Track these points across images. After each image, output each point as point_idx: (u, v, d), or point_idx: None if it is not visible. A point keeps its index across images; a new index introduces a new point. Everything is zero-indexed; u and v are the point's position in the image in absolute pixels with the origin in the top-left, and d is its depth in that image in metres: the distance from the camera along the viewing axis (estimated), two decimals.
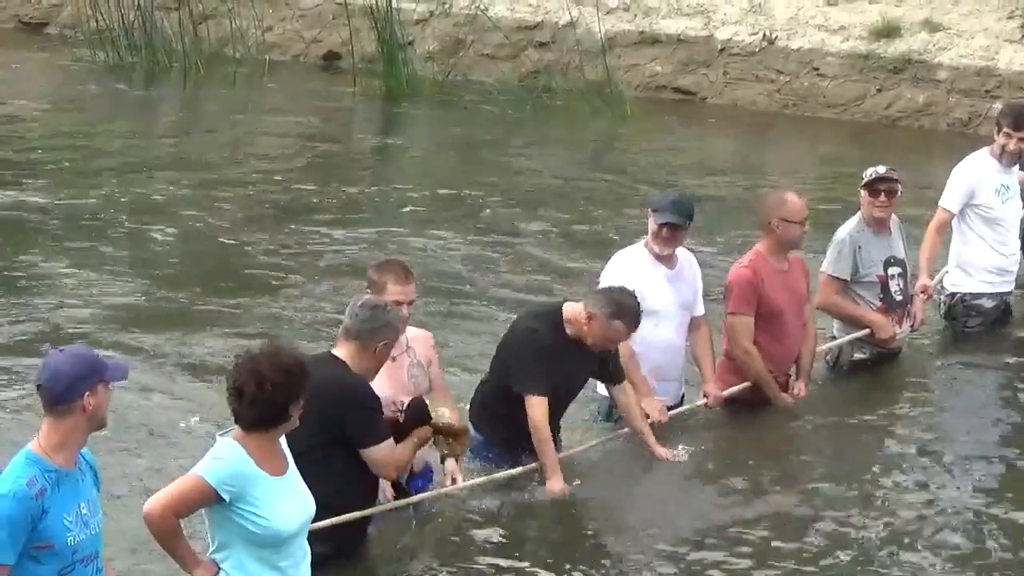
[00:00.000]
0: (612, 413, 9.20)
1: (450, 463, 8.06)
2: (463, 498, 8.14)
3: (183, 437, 9.03)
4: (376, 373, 7.60)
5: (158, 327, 10.99)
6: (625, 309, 8.45)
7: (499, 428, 8.56)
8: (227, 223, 13.87)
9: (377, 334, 7.52)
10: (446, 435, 7.78)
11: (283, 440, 6.63)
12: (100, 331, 10.81)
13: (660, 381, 9.22)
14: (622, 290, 8.56)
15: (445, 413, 7.75)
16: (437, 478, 8.11)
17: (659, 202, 9.24)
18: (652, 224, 9.17)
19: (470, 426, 8.24)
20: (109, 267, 12.40)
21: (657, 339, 9.17)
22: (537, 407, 8.38)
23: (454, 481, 8.07)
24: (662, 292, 9.17)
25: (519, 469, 8.43)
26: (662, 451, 8.85)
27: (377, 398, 7.45)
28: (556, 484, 8.36)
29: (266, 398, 6.30)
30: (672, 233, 9.13)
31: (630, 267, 9.17)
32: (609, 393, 8.97)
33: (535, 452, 8.42)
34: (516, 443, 8.49)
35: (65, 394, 5.74)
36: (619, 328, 8.44)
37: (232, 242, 13.33)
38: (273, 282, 12.21)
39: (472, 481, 8.34)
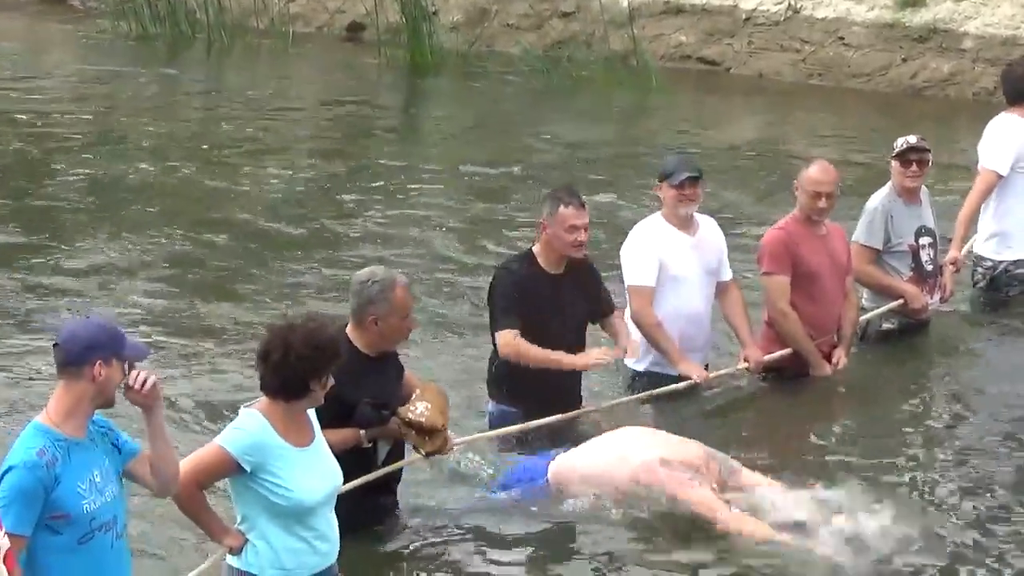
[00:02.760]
0: (635, 383, 9.16)
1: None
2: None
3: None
4: (383, 347, 7.47)
5: (191, 301, 11.07)
6: (559, 193, 8.51)
7: (516, 392, 8.48)
8: (249, 197, 13.90)
9: (364, 310, 7.42)
10: (418, 431, 7.47)
11: (311, 412, 6.66)
12: (145, 306, 10.93)
13: (686, 350, 9.15)
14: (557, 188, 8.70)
15: (417, 408, 7.45)
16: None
17: (668, 167, 9.23)
18: (668, 191, 9.13)
19: (450, 434, 7.75)
20: (136, 242, 12.44)
21: (682, 307, 9.14)
22: (502, 337, 8.36)
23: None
24: (685, 259, 9.14)
25: (543, 420, 8.39)
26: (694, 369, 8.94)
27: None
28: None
29: (289, 368, 6.32)
30: (692, 188, 9.09)
31: (650, 237, 9.15)
32: (603, 328, 8.88)
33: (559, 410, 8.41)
34: (538, 403, 8.42)
35: (78, 357, 5.70)
36: (567, 213, 8.40)
37: (254, 216, 13.34)
38: (299, 253, 12.25)
39: (497, 431, 8.42)
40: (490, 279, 8.75)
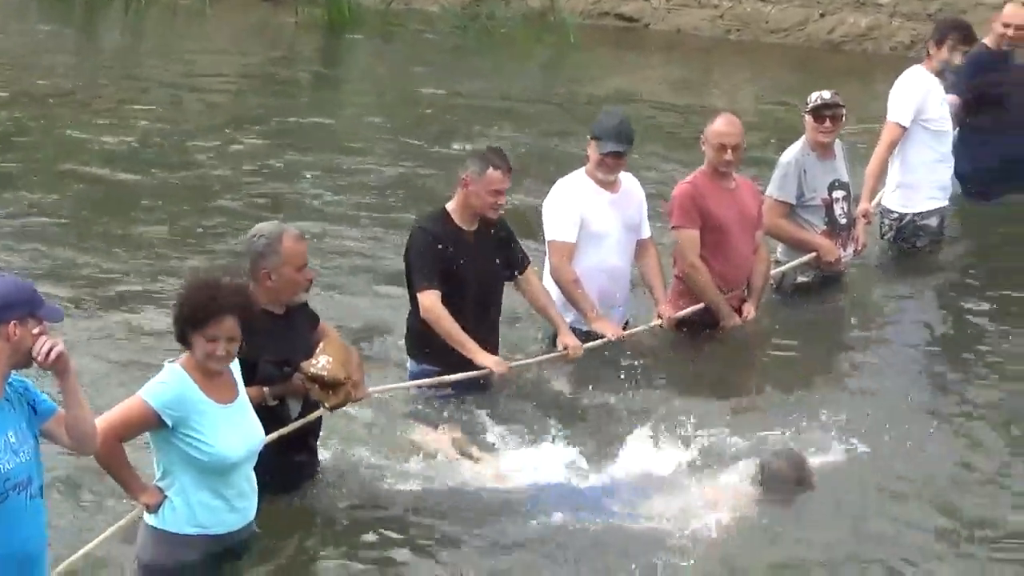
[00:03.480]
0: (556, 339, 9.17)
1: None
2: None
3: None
4: (283, 300, 7.41)
5: (110, 258, 11.09)
6: (489, 154, 8.53)
7: (435, 351, 8.48)
8: (166, 153, 13.85)
9: (256, 265, 7.37)
10: (321, 385, 7.39)
11: (236, 369, 6.69)
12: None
13: (605, 307, 9.23)
14: (485, 148, 8.67)
15: (319, 362, 7.38)
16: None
17: (600, 130, 9.24)
18: (594, 152, 9.20)
19: (363, 384, 7.70)
20: (59, 200, 12.39)
21: (602, 263, 9.21)
22: (425, 299, 8.39)
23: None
24: (606, 216, 9.20)
25: (463, 375, 8.41)
26: (568, 339, 8.83)
27: None
28: (487, 361, 8.40)
29: (176, 319, 6.47)
30: (616, 161, 9.18)
31: (572, 194, 9.21)
32: (519, 288, 8.90)
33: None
34: (457, 361, 8.45)
35: None
36: (495, 176, 8.44)
37: (170, 172, 13.31)
38: (215, 212, 12.25)
39: (415, 382, 8.46)
40: (406, 237, 8.73)
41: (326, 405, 7.52)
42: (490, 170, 8.47)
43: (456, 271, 8.46)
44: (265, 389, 7.32)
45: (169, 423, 6.40)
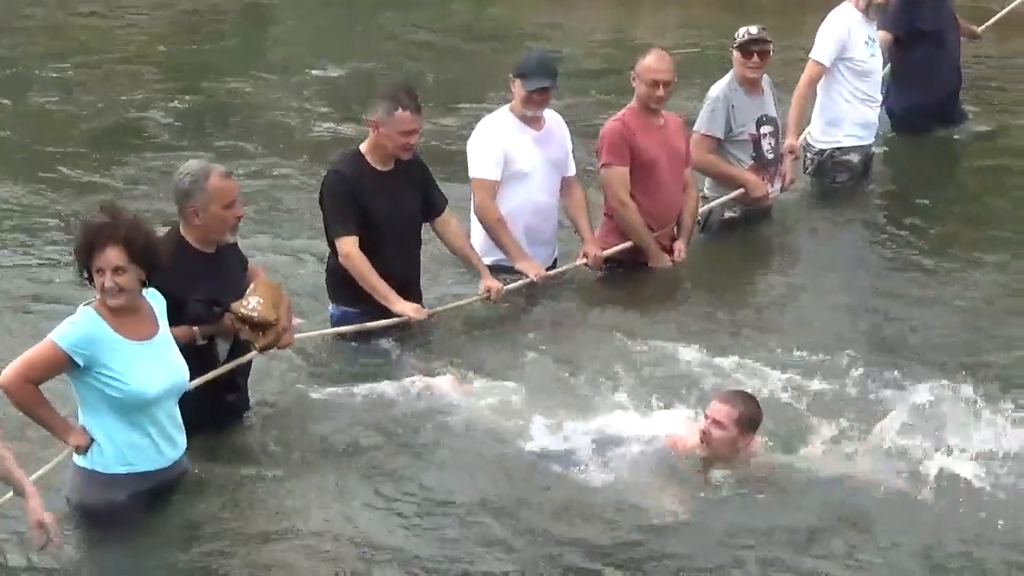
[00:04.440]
0: None
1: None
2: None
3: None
4: (211, 239, 7.38)
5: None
6: (398, 95, 8.45)
7: (356, 294, 8.47)
8: (76, 86, 13.88)
9: (183, 203, 7.34)
10: (251, 326, 7.38)
11: (157, 307, 6.70)
12: None
13: (532, 245, 9.24)
14: (393, 88, 8.64)
15: (249, 303, 7.38)
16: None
17: (524, 67, 9.21)
18: (519, 90, 9.18)
19: (292, 325, 7.77)
20: None
21: (527, 202, 9.22)
22: (343, 245, 8.37)
23: None
24: (530, 154, 9.20)
25: (384, 322, 8.41)
26: (490, 281, 8.80)
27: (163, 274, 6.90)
28: (406, 308, 8.39)
29: (74, 255, 6.53)
30: (542, 96, 9.17)
31: (496, 132, 9.20)
32: (436, 230, 8.86)
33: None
34: (378, 304, 8.44)
35: None
36: (404, 116, 8.37)
37: (82, 109, 13.30)
38: (135, 141, 12.33)
39: (338, 329, 8.45)
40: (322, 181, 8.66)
41: (256, 346, 7.52)
42: (399, 111, 8.39)
43: (372, 212, 8.42)
44: (195, 329, 7.31)
45: (81, 363, 6.43)
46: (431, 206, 8.74)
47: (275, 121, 13.05)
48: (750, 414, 7.35)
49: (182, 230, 7.41)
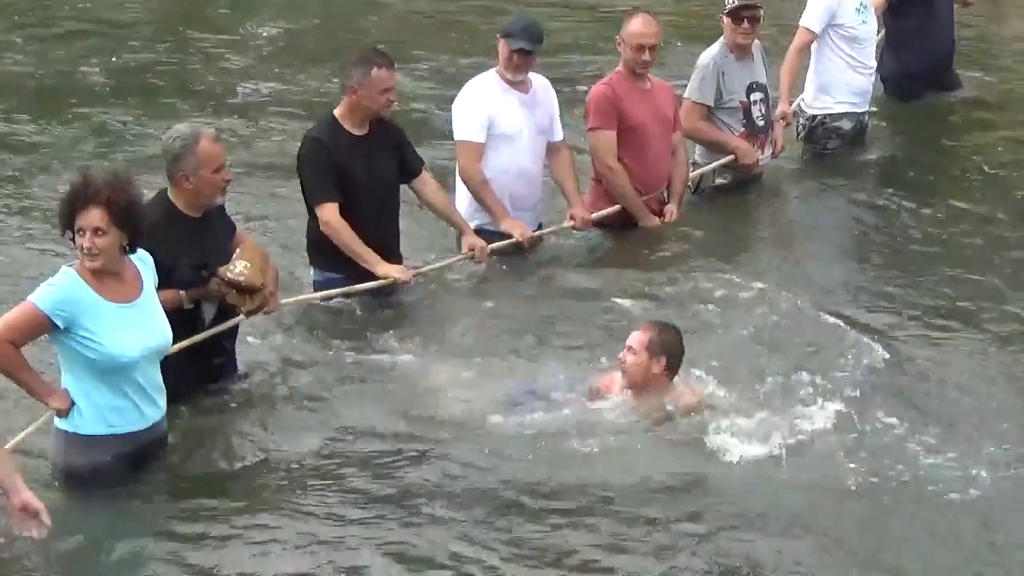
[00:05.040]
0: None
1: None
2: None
3: None
4: (200, 203, 7.39)
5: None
6: (369, 55, 8.53)
7: (337, 259, 8.48)
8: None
9: (173, 168, 7.33)
10: (238, 290, 7.40)
11: (145, 270, 6.69)
12: None
13: (517, 209, 9.22)
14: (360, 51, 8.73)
15: (236, 267, 7.40)
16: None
17: (511, 28, 9.22)
18: (504, 50, 9.16)
19: (276, 293, 7.73)
20: None
21: (512, 165, 9.19)
22: (324, 212, 8.39)
23: None
24: (515, 117, 9.18)
25: (369, 284, 8.42)
26: (473, 239, 8.84)
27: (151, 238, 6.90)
28: (390, 271, 8.40)
29: (58, 217, 6.55)
30: (524, 59, 9.14)
31: (481, 94, 9.18)
32: (413, 189, 8.85)
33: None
34: (359, 268, 8.45)
35: None
36: (382, 75, 8.43)
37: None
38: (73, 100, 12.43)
39: (322, 294, 8.45)
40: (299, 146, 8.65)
41: (242, 310, 7.53)
42: (375, 70, 8.44)
43: (350, 177, 8.43)
44: (181, 293, 7.32)
45: (61, 325, 6.43)
46: (408, 168, 8.74)
47: (215, 80, 13.10)
48: (661, 340, 7.41)
49: (170, 194, 7.42)
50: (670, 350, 7.42)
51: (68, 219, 6.50)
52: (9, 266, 9.24)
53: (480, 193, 9.10)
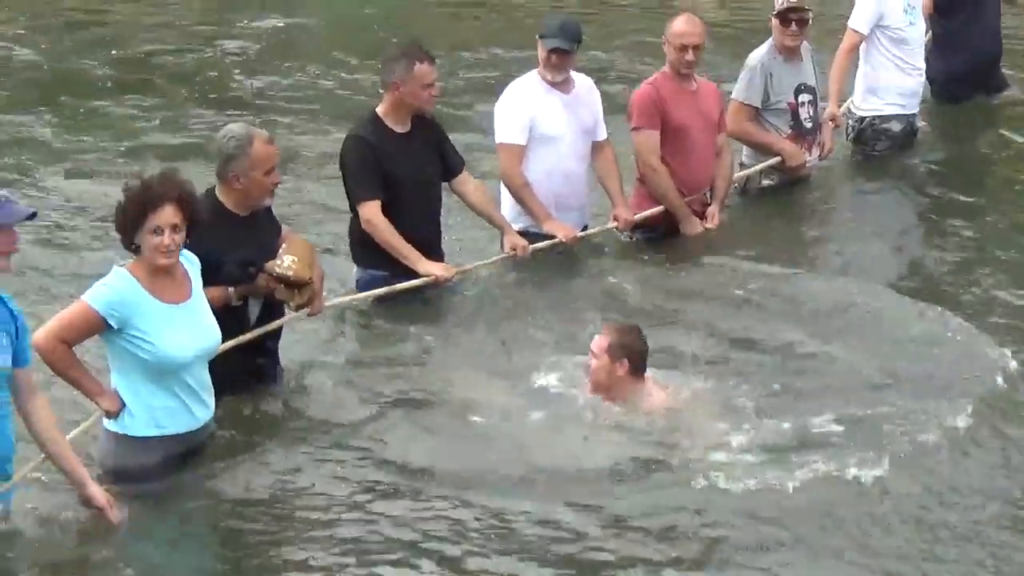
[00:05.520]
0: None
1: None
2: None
3: None
4: (249, 204, 7.41)
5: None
6: (410, 51, 8.50)
7: (380, 257, 8.46)
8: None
9: (225, 167, 7.35)
10: (286, 285, 7.41)
11: (192, 269, 6.69)
12: None
13: (562, 211, 9.17)
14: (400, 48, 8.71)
15: (284, 262, 7.40)
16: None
17: (546, 28, 9.17)
18: (541, 51, 9.12)
19: (320, 291, 7.71)
20: None
21: (556, 167, 9.13)
22: (366, 211, 8.39)
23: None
24: (558, 118, 9.13)
25: (413, 282, 8.40)
26: (515, 238, 8.83)
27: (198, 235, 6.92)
28: (432, 268, 8.40)
29: (119, 225, 6.53)
30: (561, 59, 9.09)
31: (524, 95, 9.14)
32: (453, 189, 8.83)
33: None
34: (403, 266, 8.43)
35: None
36: (424, 70, 8.42)
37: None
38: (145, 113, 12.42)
39: (367, 293, 8.43)
40: (341, 146, 8.64)
41: (291, 304, 7.56)
42: (417, 65, 8.43)
43: (394, 175, 8.42)
44: (230, 290, 7.34)
45: (114, 325, 6.44)
46: (449, 166, 8.73)
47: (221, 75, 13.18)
48: (621, 343, 7.42)
49: (219, 193, 7.44)
50: (631, 352, 7.43)
51: (137, 221, 6.48)
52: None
53: (521, 195, 9.06)
